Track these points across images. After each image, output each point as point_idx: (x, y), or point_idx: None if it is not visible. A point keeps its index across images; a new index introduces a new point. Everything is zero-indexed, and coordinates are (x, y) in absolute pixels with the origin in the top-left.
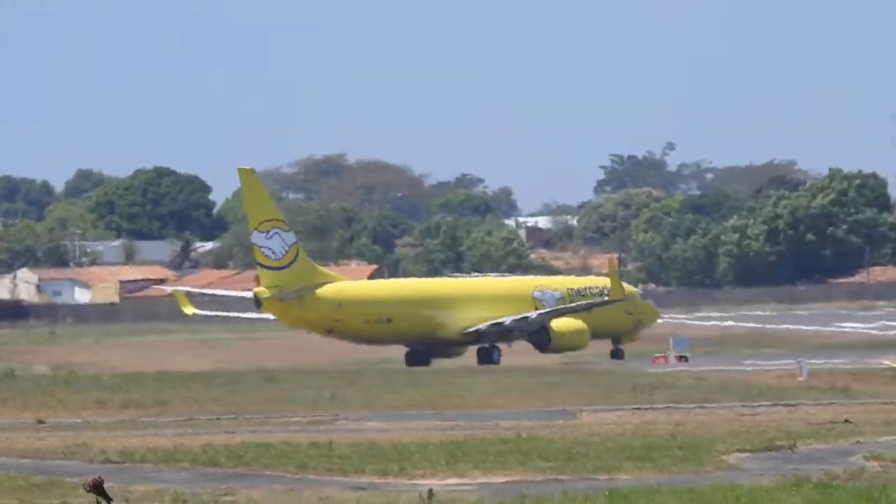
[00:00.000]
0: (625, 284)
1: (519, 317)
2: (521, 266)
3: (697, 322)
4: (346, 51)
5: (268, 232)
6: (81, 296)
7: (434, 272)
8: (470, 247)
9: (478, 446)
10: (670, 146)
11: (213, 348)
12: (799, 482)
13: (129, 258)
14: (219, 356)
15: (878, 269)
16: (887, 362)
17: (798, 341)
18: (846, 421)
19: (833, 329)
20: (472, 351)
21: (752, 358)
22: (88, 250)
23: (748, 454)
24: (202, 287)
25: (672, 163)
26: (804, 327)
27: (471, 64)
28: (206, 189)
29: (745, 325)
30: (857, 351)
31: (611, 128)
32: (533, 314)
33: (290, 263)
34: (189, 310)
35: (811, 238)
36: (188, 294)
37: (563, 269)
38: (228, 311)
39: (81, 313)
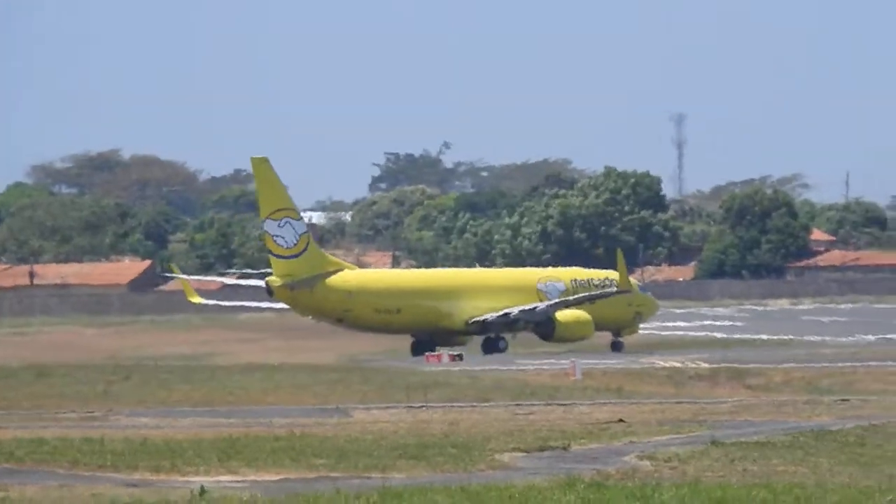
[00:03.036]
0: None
1: (526, 308)
2: None
3: None
4: (121, 47)
5: (280, 221)
6: None
7: (206, 269)
8: (241, 243)
9: (251, 443)
10: (446, 145)
11: None
12: (572, 482)
13: None
14: None
15: (651, 268)
16: (661, 362)
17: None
18: (620, 421)
19: None
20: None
21: (527, 357)
22: None
23: (522, 453)
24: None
25: (448, 161)
26: None
27: (246, 59)
28: None
29: None
30: (630, 351)
31: (387, 126)
32: (541, 305)
33: (302, 252)
34: (195, 298)
35: (582, 237)
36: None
37: None
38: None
39: None
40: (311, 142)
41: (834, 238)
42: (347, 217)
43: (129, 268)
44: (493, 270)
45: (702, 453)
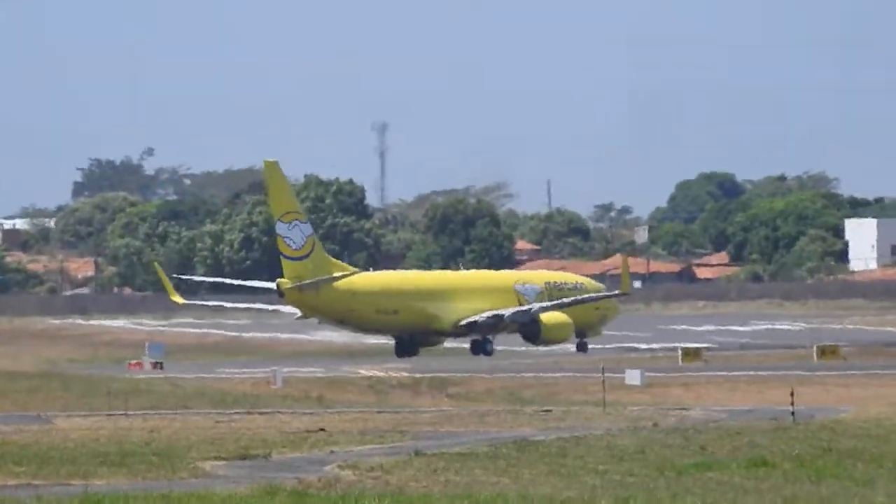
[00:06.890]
0: (592, 281)
1: (519, 309)
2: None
3: (174, 329)
4: None
5: (290, 223)
6: None
7: None
8: None
9: None
10: (149, 151)
11: None
12: (273, 490)
13: None
14: None
15: None
16: (362, 371)
17: (273, 349)
18: (320, 430)
19: (308, 337)
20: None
21: (228, 365)
22: None
23: (223, 461)
24: None
25: (150, 168)
26: (279, 335)
27: None
28: None
29: (221, 332)
30: (332, 359)
31: (89, 131)
32: (534, 307)
33: (308, 254)
34: (177, 298)
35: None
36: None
37: (40, 273)
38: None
39: None
40: (14, 147)
41: (538, 247)
42: (51, 223)
43: None
44: (472, 273)
45: (405, 463)
